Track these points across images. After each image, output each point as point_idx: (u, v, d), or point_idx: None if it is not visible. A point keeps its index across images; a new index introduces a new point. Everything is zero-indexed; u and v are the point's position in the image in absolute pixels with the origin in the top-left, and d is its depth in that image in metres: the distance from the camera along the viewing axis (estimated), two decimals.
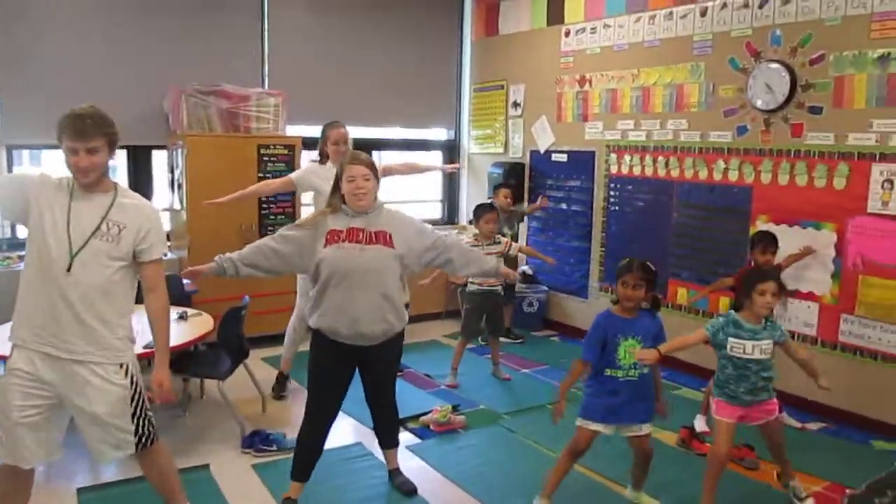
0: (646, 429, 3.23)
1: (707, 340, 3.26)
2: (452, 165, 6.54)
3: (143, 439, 2.76)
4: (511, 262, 5.38)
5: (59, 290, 2.54)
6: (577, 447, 3.22)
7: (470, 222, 6.68)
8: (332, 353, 3.22)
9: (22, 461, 2.64)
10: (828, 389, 3.30)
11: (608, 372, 3.13)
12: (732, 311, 3.26)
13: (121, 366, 2.68)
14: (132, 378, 2.72)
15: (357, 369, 3.35)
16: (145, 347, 3.68)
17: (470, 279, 5.01)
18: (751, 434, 3.61)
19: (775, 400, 3.33)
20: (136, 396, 2.73)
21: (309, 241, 3.15)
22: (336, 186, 3.22)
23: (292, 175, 4.76)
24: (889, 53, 4.20)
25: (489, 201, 5.84)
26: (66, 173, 2.63)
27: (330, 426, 3.33)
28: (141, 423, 2.75)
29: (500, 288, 5.13)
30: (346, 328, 3.14)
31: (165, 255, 2.81)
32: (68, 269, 2.54)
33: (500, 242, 5.05)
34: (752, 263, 4.24)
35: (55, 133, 2.55)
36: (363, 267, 3.09)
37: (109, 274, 2.61)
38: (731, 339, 3.19)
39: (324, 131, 4.67)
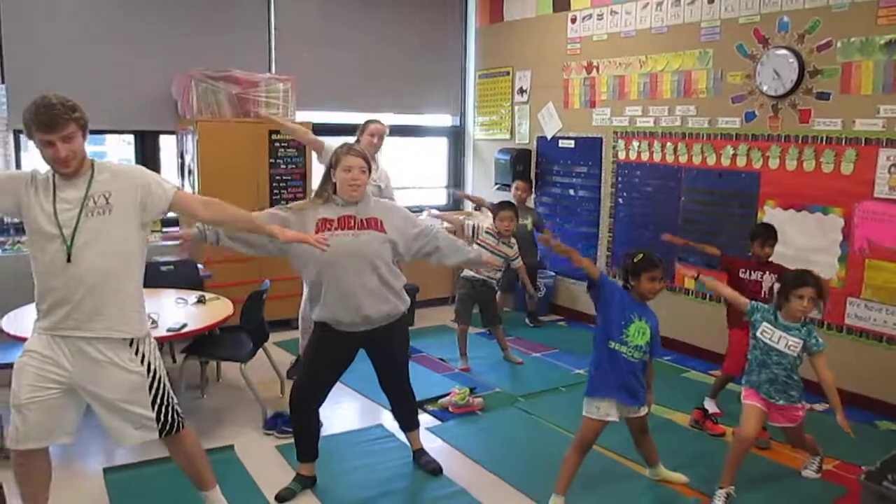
0: (643, 410, 3.28)
1: (745, 311, 3.40)
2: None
3: (168, 427, 2.74)
4: (512, 273, 5.47)
5: (66, 278, 2.53)
6: (585, 439, 3.18)
7: (476, 208, 6.74)
8: (333, 343, 3.26)
9: (29, 442, 2.61)
10: (848, 432, 3.19)
11: (612, 345, 3.13)
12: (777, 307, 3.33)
13: (131, 343, 2.65)
14: (149, 365, 2.69)
15: (369, 359, 3.42)
16: (169, 331, 3.73)
17: None
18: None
19: (800, 411, 3.38)
20: (156, 384, 2.70)
21: (296, 225, 3.14)
22: (328, 176, 3.23)
23: (325, 140, 4.73)
24: None
25: (509, 199, 5.79)
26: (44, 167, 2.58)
27: (318, 409, 3.37)
28: (163, 411, 2.72)
29: (493, 281, 5.19)
30: (349, 315, 3.17)
31: (179, 186, 2.82)
32: (68, 260, 2.52)
33: (513, 247, 5.12)
34: (752, 255, 4.28)
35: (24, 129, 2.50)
36: (358, 252, 3.12)
37: (111, 249, 2.58)
38: (764, 323, 3.31)
39: (365, 123, 4.78)
